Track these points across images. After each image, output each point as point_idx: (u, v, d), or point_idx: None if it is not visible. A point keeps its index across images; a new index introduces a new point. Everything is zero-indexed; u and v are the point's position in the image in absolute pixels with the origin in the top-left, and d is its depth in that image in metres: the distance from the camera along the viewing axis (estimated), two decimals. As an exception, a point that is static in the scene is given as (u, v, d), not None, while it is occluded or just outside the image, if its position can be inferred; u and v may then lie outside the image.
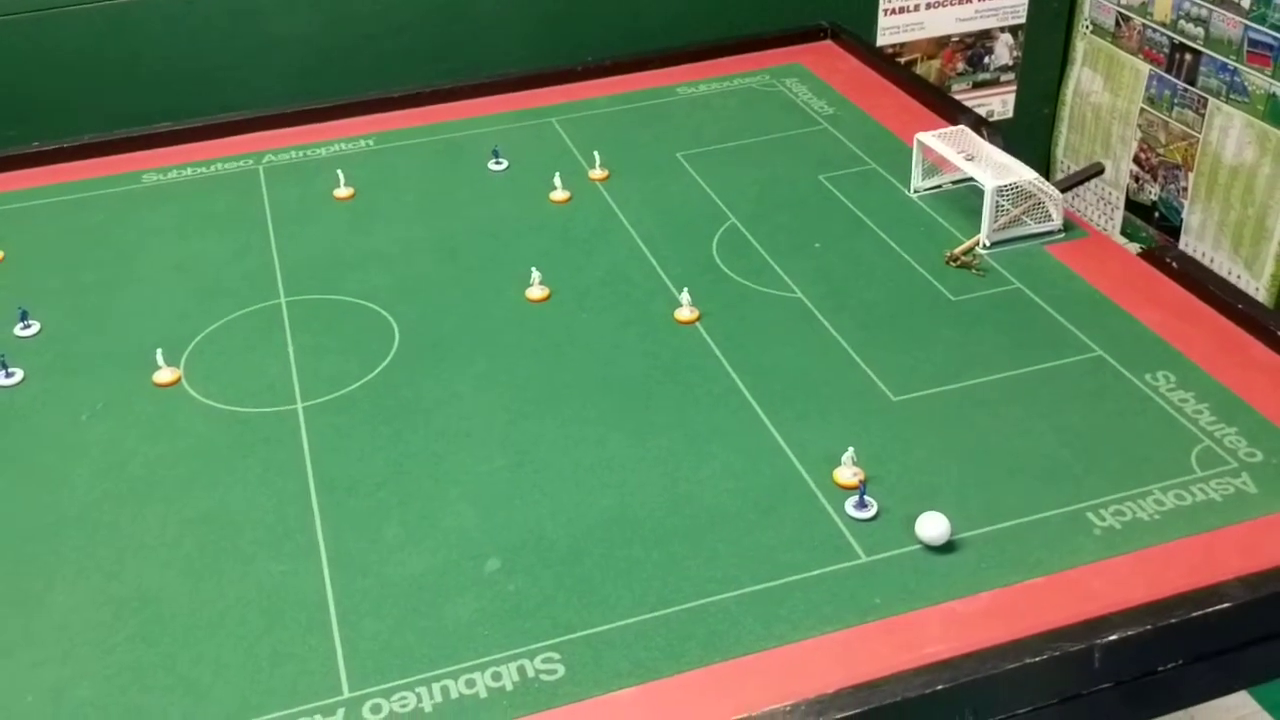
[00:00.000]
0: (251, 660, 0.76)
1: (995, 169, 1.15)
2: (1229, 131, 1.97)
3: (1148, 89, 2.12)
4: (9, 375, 1.03)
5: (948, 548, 0.81)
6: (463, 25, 1.77)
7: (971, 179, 1.22)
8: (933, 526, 0.81)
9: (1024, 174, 1.14)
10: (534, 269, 1.11)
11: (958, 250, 1.13)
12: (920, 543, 0.81)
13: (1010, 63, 2.29)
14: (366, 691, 0.74)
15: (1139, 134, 2.16)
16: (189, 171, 1.37)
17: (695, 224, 1.22)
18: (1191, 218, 2.08)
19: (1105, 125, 2.23)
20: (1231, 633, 0.74)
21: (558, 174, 1.28)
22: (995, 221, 1.13)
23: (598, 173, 1.31)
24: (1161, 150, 2.12)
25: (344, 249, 1.21)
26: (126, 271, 1.19)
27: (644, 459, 0.91)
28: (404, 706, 0.73)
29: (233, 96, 1.59)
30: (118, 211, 1.30)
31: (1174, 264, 1.08)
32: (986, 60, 2.28)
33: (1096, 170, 1.27)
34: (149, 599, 0.81)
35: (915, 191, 1.24)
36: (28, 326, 1.10)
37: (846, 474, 0.87)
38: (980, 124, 1.25)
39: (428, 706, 0.72)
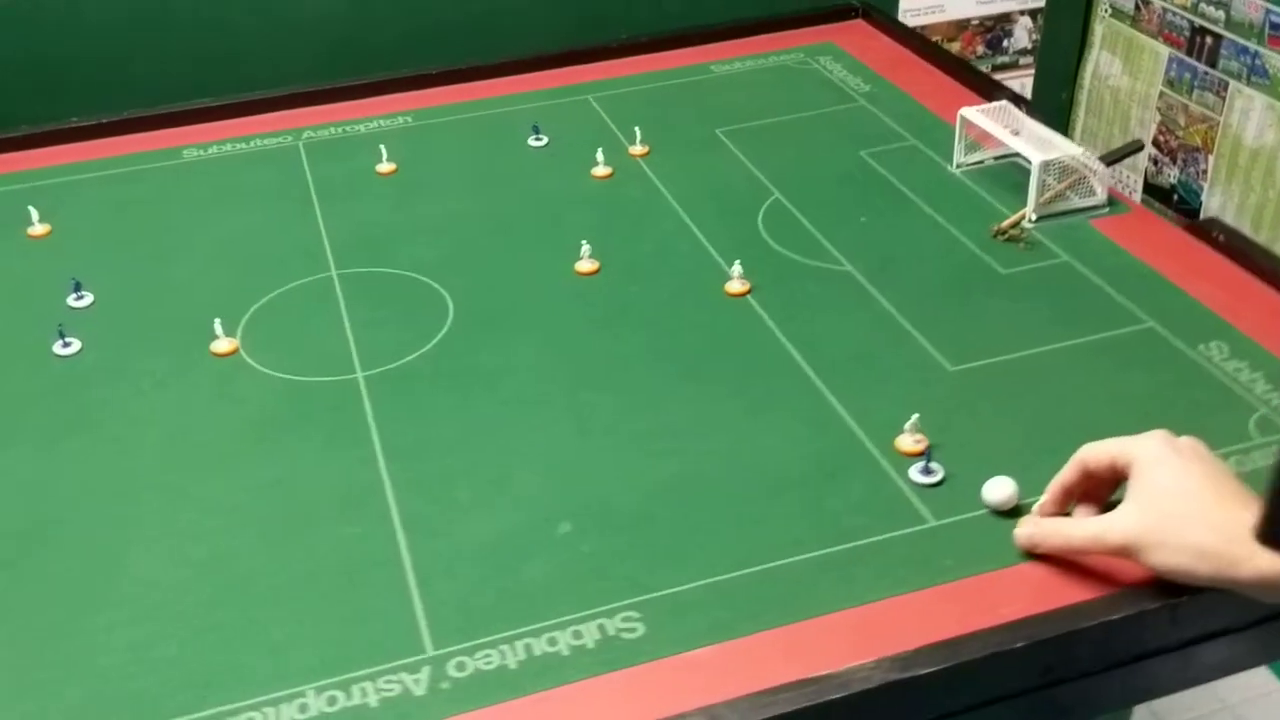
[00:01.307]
0: (332, 620, 0.77)
1: (1040, 144, 1.16)
2: (1250, 114, 1.98)
3: (1167, 72, 2.14)
4: (66, 345, 1.04)
5: (1015, 512, 0.82)
6: (493, 3, 1.78)
7: (1014, 154, 1.24)
8: (1000, 490, 0.82)
9: (1069, 149, 1.15)
10: (583, 243, 1.12)
11: (1004, 224, 1.14)
12: (987, 507, 0.82)
13: (1029, 46, 2.30)
14: (449, 650, 0.75)
15: (1158, 117, 2.17)
16: (229, 147, 1.37)
17: (739, 199, 1.22)
18: (1211, 200, 2.10)
19: (1124, 108, 2.25)
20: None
21: (600, 149, 1.29)
22: (1041, 196, 1.14)
23: (638, 149, 1.32)
24: (1181, 133, 2.14)
25: (391, 223, 1.22)
26: (175, 244, 1.19)
27: (705, 426, 0.92)
28: (488, 664, 0.73)
29: (261, 74, 1.60)
30: (161, 186, 1.30)
31: (1220, 237, 1.09)
32: (1006, 43, 2.29)
33: (1137, 146, 1.28)
34: (226, 561, 0.82)
35: (958, 167, 1.25)
36: (81, 298, 1.10)
37: (909, 441, 0.88)
38: (1019, 100, 1.26)
39: (511, 664, 0.73)
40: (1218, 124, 2.04)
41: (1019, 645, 0.71)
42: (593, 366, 1.00)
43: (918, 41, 1.56)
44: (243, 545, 0.84)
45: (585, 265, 1.12)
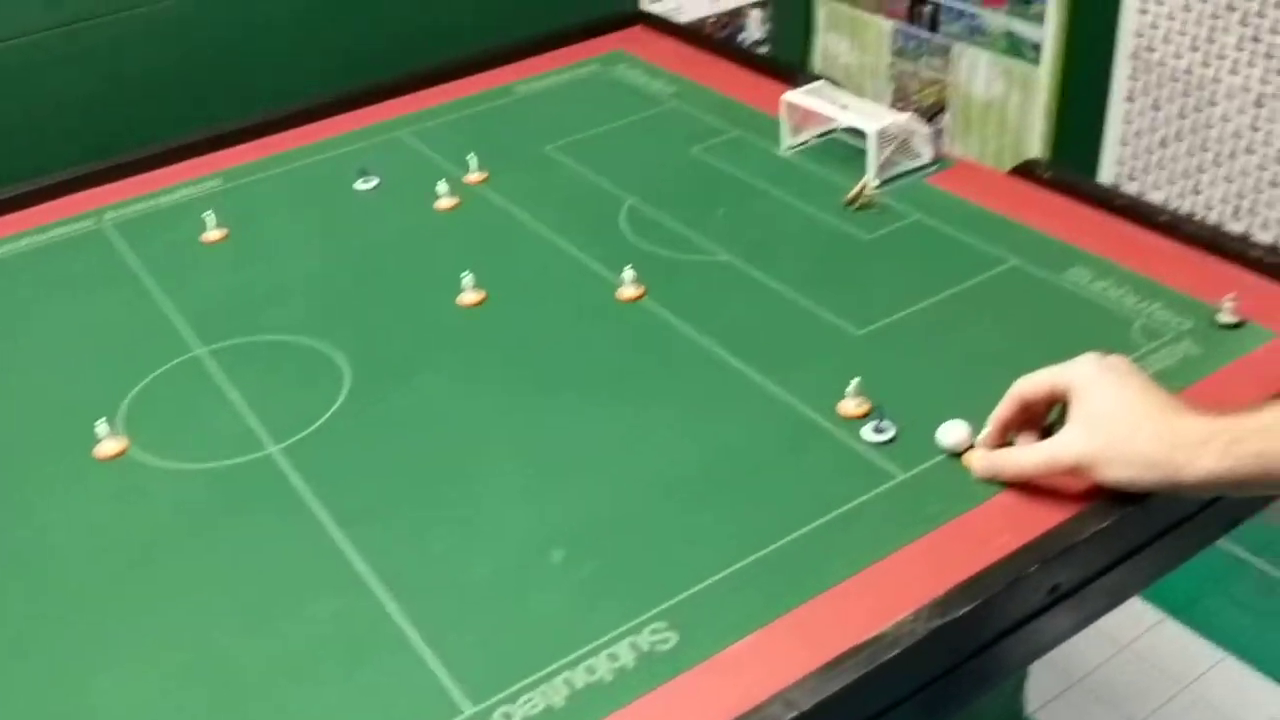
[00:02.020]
0: (350, 701, 0.73)
1: (867, 115, 1.23)
2: (976, 71, 2.16)
3: (894, 43, 2.30)
4: (-80, 480, 0.92)
5: (971, 449, 0.87)
6: (256, 60, 1.70)
7: (834, 131, 1.30)
8: (955, 432, 0.86)
9: (895, 116, 1.22)
10: (465, 273, 1.10)
11: (852, 194, 1.20)
12: (945, 450, 0.87)
13: (762, 36, 2.41)
14: (490, 703, 0.72)
15: (892, 85, 2.33)
16: (25, 242, 1.25)
17: (595, 209, 1.23)
18: (954, 153, 2.27)
19: (858, 83, 2.39)
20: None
21: (440, 180, 1.26)
22: (879, 160, 1.21)
23: (475, 175, 1.30)
24: (916, 97, 2.30)
25: (242, 289, 1.15)
26: (9, 350, 1.08)
27: (656, 431, 0.92)
28: (534, 708, 0.71)
29: (18, 163, 1.46)
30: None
31: (1045, 174, 1.19)
32: (741, 37, 2.39)
33: (939, 107, 1.37)
34: (209, 664, 0.75)
35: (787, 149, 1.30)
36: (-81, 425, 0.98)
37: (852, 405, 0.92)
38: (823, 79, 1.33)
39: (559, 702, 0.71)
40: (948, 83, 2.22)
41: (1032, 570, 0.75)
42: (517, 395, 0.98)
43: (704, 40, 1.62)
44: (222, 643, 0.77)
45: (469, 297, 1.09)
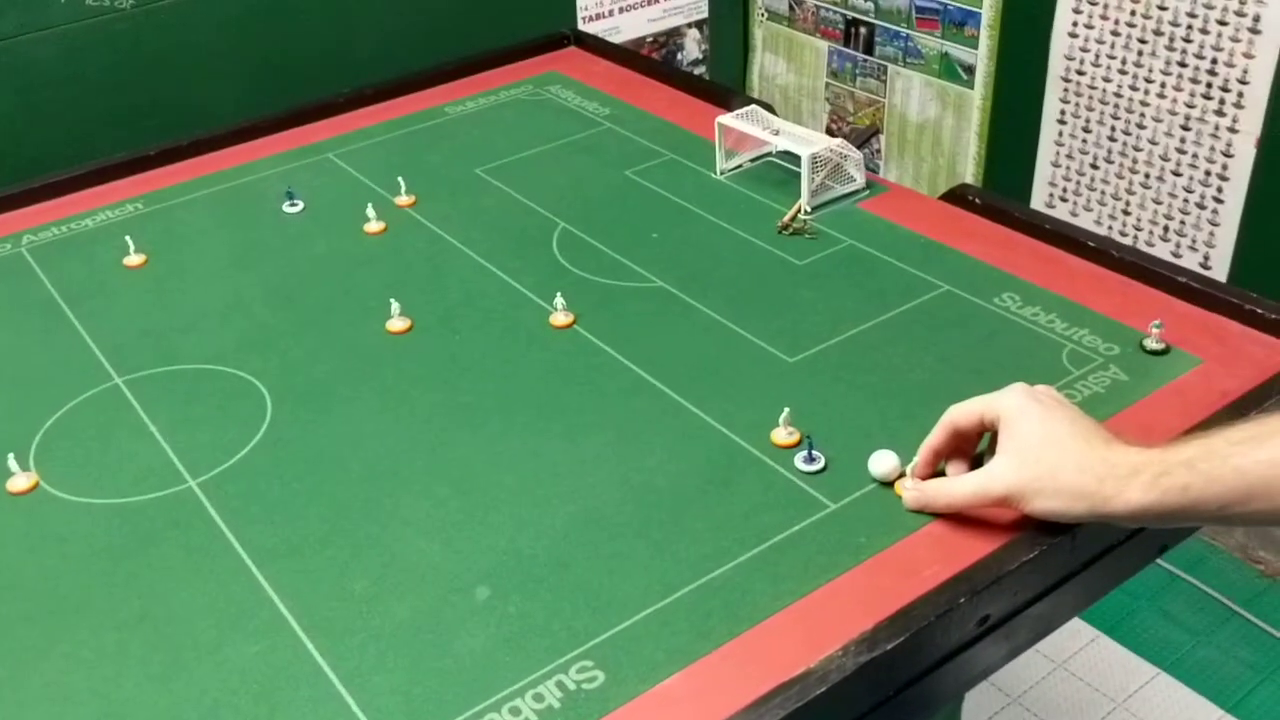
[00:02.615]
0: (267, 750, 0.70)
1: (800, 140, 1.23)
2: (910, 92, 2.18)
3: (830, 64, 2.31)
4: None
5: (902, 478, 0.86)
6: (180, 81, 1.67)
7: (769, 154, 1.30)
8: (884, 462, 0.86)
9: (827, 141, 1.22)
10: (393, 300, 1.08)
11: (786, 218, 1.19)
12: (876, 479, 0.86)
13: (700, 56, 2.42)
14: (413, 746, 0.70)
15: (828, 106, 2.34)
16: (-63, 265, 1.21)
17: (527, 233, 1.21)
18: (889, 174, 2.29)
19: (795, 103, 2.41)
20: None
21: (370, 204, 1.24)
22: (812, 186, 1.21)
23: (404, 199, 1.28)
24: (852, 119, 2.32)
25: (162, 317, 1.12)
26: (-88, 382, 1.04)
27: (585, 461, 0.91)
28: (459, 750, 0.69)
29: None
30: None
31: (976, 200, 1.19)
32: (680, 56, 2.40)
33: (874, 131, 1.38)
34: (125, 710, 0.73)
35: (722, 173, 1.30)
36: None
37: (783, 434, 0.91)
38: (765, 105, 1.33)
39: (484, 744, 0.70)
40: (884, 105, 2.23)
41: (961, 601, 0.75)
42: (444, 424, 0.96)
43: (639, 62, 1.61)
44: (132, 694, 0.74)
45: (397, 324, 1.07)
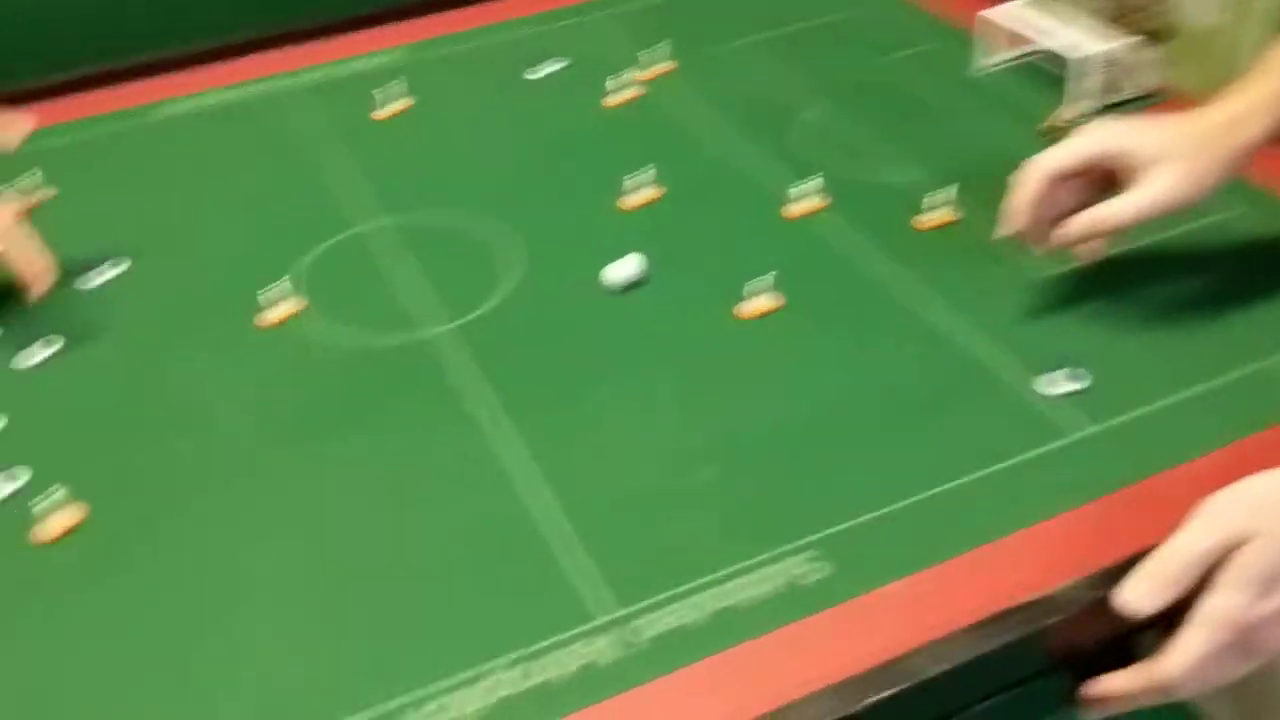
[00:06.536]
0: (499, 594, 0.73)
1: (1074, 37, 1.15)
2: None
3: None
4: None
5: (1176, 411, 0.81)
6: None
7: (1035, 53, 1.23)
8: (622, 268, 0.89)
9: (1107, 41, 1.14)
10: (638, 172, 1.07)
11: (1048, 122, 1.13)
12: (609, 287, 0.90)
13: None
14: (635, 609, 0.71)
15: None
16: (210, 99, 1.27)
17: (773, 114, 1.19)
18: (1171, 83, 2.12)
19: None
20: None
21: (630, 70, 1.23)
22: (1081, 90, 1.13)
23: (664, 65, 1.27)
24: (1132, 17, 2.16)
25: (417, 166, 1.15)
26: (186, 208, 1.10)
27: (822, 355, 0.89)
28: (681, 620, 0.70)
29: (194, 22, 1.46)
30: (146, 146, 1.20)
31: None
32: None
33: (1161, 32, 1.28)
34: (354, 549, 0.77)
35: (980, 69, 1.24)
36: (102, 273, 1.01)
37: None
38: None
39: (704, 617, 0.70)
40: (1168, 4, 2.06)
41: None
42: (688, 300, 0.95)
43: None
44: (369, 528, 0.78)
45: (639, 197, 1.07)
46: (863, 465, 0.80)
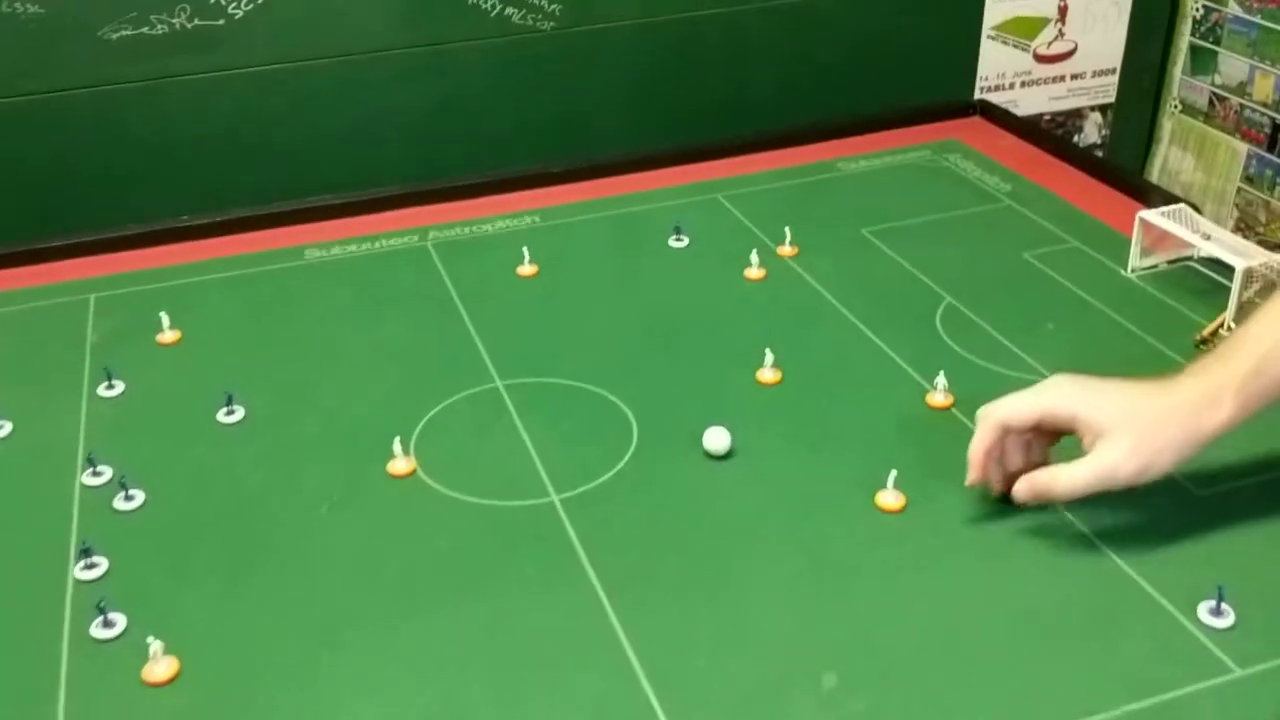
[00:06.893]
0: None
1: (1233, 249, 1.11)
2: (1340, 211, 1.95)
3: (1246, 167, 2.11)
4: (128, 498, 0.92)
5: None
6: (578, 102, 1.72)
7: (1187, 259, 1.19)
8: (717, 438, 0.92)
9: (1265, 255, 1.10)
10: (767, 350, 1.05)
11: (1207, 330, 1.08)
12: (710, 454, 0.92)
13: (1099, 140, 2.28)
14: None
15: (1236, 212, 2.14)
16: (353, 247, 1.30)
17: (909, 303, 1.16)
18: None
19: (1198, 204, 2.22)
20: None
21: (754, 250, 1.23)
22: (1241, 300, 1.09)
23: (787, 249, 1.26)
24: (1262, 229, 2.11)
25: (546, 329, 1.15)
26: (319, 352, 1.12)
27: (954, 565, 0.84)
28: (787, 844, 0.65)
29: (341, 174, 1.51)
30: (288, 288, 1.23)
31: None
32: (1076, 139, 2.27)
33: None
34: (460, 715, 0.73)
35: (1133, 270, 1.20)
36: (232, 411, 1.02)
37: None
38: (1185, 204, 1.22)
39: (814, 844, 0.65)
40: (1304, 220, 2.02)
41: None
42: (804, 489, 0.92)
43: (1046, 139, 1.52)
44: (474, 696, 0.75)
45: (768, 375, 1.05)
46: (993, 690, 0.74)
